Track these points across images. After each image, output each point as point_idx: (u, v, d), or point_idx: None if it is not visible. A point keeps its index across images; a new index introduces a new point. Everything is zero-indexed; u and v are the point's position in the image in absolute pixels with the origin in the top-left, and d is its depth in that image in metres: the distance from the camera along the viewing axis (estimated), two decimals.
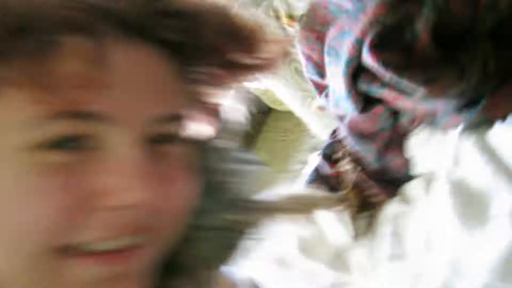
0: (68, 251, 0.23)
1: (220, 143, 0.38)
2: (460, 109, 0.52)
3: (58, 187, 0.22)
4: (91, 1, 0.22)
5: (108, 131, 0.23)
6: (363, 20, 0.52)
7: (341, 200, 0.59)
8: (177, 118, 0.27)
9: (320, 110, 0.86)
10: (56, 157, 0.22)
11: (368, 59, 0.52)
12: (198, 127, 0.32)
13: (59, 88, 0.20)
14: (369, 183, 0.66)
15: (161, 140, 0.26)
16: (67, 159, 0.23)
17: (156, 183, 0.24)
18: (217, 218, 0.40)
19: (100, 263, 0.23)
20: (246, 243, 0.46)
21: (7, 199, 0.22)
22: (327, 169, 0.71)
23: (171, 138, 0.27)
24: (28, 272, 0.23)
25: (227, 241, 0.43)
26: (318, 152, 0.75)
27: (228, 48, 0.28)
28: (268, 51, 0.30)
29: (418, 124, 0.59)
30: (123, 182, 0.23)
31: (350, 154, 0.67)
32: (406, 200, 0.62)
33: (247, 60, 0.29)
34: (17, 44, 0.20)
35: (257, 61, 0.30)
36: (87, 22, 0.22)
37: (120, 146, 0.24)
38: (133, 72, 0.24)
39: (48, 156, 0.22)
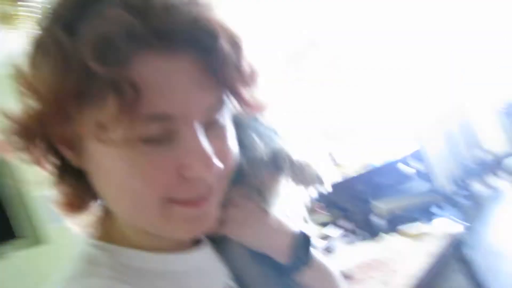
0: (173, 201, 0.38)
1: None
2: None
3: (157, 166, 0.36)
4: (157, 25, 0.33)
5: (178, 125, 0.36)
6: None
7: None
8: (220, 104, 0.39)
9: None
10: (149, 147, 0.35)
11: None
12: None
13: (145, 99, 0.33)
14: None
15: (214, 122, 0.39)
16: (156, 148, 0.35)
17: (216, 157, 0.37)
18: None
19: (191, 207, 0.39)
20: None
21: (129, 172, 0.36)
22: None
23: (219, 120, 0.39)
24: (150, 214, 0.38)
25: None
26: None
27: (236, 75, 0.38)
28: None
29: None
30: (196, 161, 0.36)
31: None
32: None
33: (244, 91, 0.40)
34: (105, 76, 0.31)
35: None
36: (152, 42, 0.33)
37: (189, 134, 0.36)
38: (186, 80, 0.35)
39: (144, 147, 0.35)
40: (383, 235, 1.84)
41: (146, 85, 0.33)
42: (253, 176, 0.49)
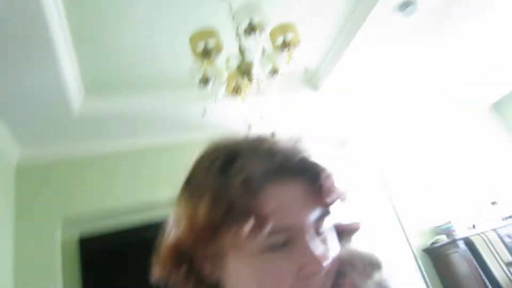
0: None
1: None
2: None
3: (284, 266, 0.46)
4: (277, 165, 0.49)
5: (296, 234, 0.47)
6: None
7: None
8: (326, 215, 0.50)
9: None
10: (276, 253, 0.46)
11: None
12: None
13: (271, 219, 0.45)
14: None
15: (321, 231, 0.50)
16: (281, 253, 0.46)
17: (325, 254, 0.47)
18: None
19: None
20: None
21: (261, 278, 0.46)
22: None
23: (325, 231, 0.50)
24: None
25: None
26: None
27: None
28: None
29: None
30: (313, 259, 0.46)
31: None
32: None
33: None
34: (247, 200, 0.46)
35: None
36: (276, 177, 0.48)
37: (304, 241, 0.47)
38: (299, 199, 0.49)
39: (272, 253, 0.46)
40: None
41: (276, 206, 0.46)
42: None
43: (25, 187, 3.22)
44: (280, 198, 0.47)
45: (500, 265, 3.33)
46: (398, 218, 4.08)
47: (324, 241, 0.50)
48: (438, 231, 4.26)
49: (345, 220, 0.56)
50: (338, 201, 0.51)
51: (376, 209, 4.38)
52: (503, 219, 4.43)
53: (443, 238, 4.10)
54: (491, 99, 5.29)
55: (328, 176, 0.51)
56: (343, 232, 0.57)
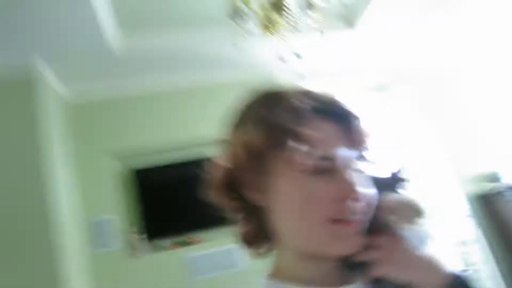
0: (335, 220, 0.52)
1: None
2: None
3: (324, 192, 0.52)
4: (318, 106, 0.56)
5: (337, 164, 0.53)
6: None
7: None
8: (360, 156, 0.57)
9: None
10: (319, 177, 0.52)
11: None
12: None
13: (321, 145, 0.53)
14: None
15: (358, 168, 0.56)
16: (323, 178, 0.52)
17: (359, 189, 0.53)
18: None
19: (344, 225, 0.53)
20: None
21: (306, 197, 0.52)
22: None
23: (361, 166, 0.56)
24: (318, 231, 0.52)
25: None
26: None
27: None
28: None
29: None
30: (350, 190, 0.53)
31: None
32: None
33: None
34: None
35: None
36: (318, 115, 0.55)
37: (344, 172, 0.53)
38: (337, 138, 0.55)
39: (316, 177, 0.52)
40: None
41: (320, 137, 0.53)
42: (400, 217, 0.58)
43: (79, 124, 3.37)
44: (325, 131, 0.54)
45: None
46: (452, 162, 3.94)
47: (361, 177, 0.55)
48: (493, 178, 4.09)
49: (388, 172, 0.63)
50: (368, 147, 0.58)
51: (429, 154, 4.24)
52: None
53: (491, 187, 3.94)
54: None
55: (359, 123, 0.57)
56: (386, 183, 0.63)
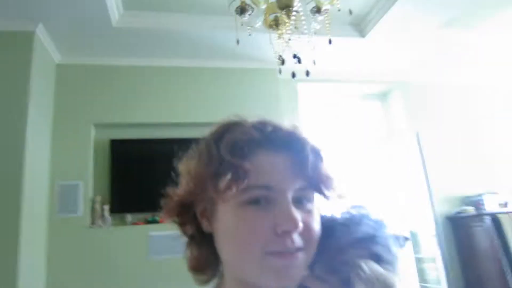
0: (272, 253, 0.50)
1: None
2: None
3: (259, 222, 0.51)
4: (266, 136, 0.55)
5: (275, 195, 0.52)
6: None
7: None
8: (306, 189, 0.55)
9: None
10: (254, 207, 0.52)
11: None
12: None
13: (255, 177, 0.52)
14: None
15: (303, 203, 0.54)
16: (258, 209, 0.51)
17: (300, 219, 0.51)
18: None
19: (281, 259, 0.51)
20: None
21: (240, 226, 0.51)
22: None
23: (305, 200, 0.55)
24: (252, 262, 0.51)
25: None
26: None
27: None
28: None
29: None
30: (286, 219, 0.50)
31: None
32: None
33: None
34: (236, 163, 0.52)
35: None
36: (263, 146, 0.54)
37: (283, 202, 0.52)
38: (281, 167, 0.54)
39: (250, 207, 0.52)
40: None
41: (256, 168, 0.52)
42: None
43: (65, 87, 3.37)
44: (262, 161, 0.54)
45: None
46: (428, 181, 3.96)
47: (305, 213, 0.54)
48: (467, 202, 4.13)
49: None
50: (323, 178, 0.56)
51: (408, 169, 4.27)
52: None
53: (470, 210, 3.98)
54: None
55: (314, 152, 0.56)
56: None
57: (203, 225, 0.57)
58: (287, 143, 0.55)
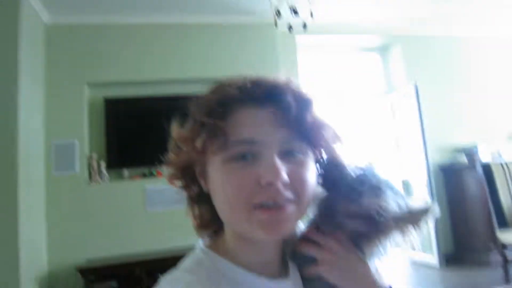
0: (255, 207, 0.51)
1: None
2: None
3: (243, 176, 0.51)
4: (248, 93, 0.55)
5: (259, 149, 0.51)
6: None
7: None
8: (291, 139, 0.54)
9: None
10: (240, 163, 0.52)
11: None
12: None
13: (235, 133, 0.52)
14: None
15: (291, 154, 0.53)
16: (244, 164, 0.51)
17: (287, 172, 0.51)
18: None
19: (268, 213, 0.51)
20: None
21: (225, 182, 0.52)
22: None
23: (295, 152, 0.54)
24: (240, 217, 0.52)
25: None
26: None
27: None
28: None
29: None
30: (268, 171, 0.50)
31: None
32: None
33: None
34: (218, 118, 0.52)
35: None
36: (244, 102, 0.54)
37: (267, 155, 0.51)
38: (264, 120, 0.53)
39: (236, 163, 0.52)
40: None
41: (239, 123, 0.53)
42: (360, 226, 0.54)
43: (56, 47, 3.36)
44: (243, 117, 0.53)
45: (510, 195, 3.28)
46: (423, 131, 3.96)
47: (294, 164, 0.54)
48: (461, 151, 4.14)
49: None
50: (311, 126, 0.55)
51: (406, 120, 4.25)
52: None
53: (463, 160, 4.01)
54: None
55: (299, 101, 0.55)
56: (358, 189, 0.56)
57: (202, 185, 0.58)
58: (269, 96, 0.54)
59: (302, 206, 0.54)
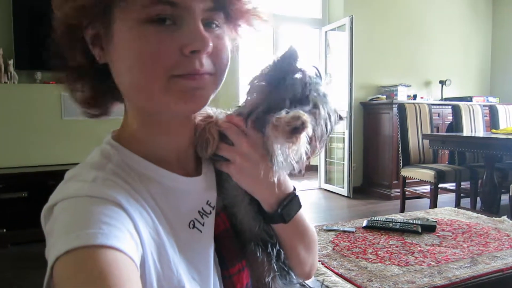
0: (178, 75, 0.46)
1: None
2: None
3: (163, 41, 0.44)
4: None
5: (181, 13, 0.45)
6: None
7: None
8: (215, 9, 0.48)
9: None
10: (158, 27, 0.44)
11: None
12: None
13: None
14: None
15: (213, 24, 0.49)
16: (164, 29, 0.45)
17: (210, 39, 0.46)
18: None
19: (189, 79, 0.46)
20: None
21: (142, 49, 0.44)
22: None
23: (215, 23, 0.49)
24: (155, 87, 0.46)
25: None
26: None
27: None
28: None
29: None
30: (195, 39, 0.45)
31: None
32: None
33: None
34: None
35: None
36: None
37: (190, 21, 0.46)
38: None
39: (153, 26, 0.44)
40: None
41: None
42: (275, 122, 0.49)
43: None
44: None
45: (418, 135, 3.62)
46: (351, 67, 4.10)
47: (215, 36, 0.49)
48: (382, 91, 4.42)
49: None
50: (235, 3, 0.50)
51: (339, 54, 4.34)
52: (442, 99, 4.63)
53: (383, 98, 4.29)
54: None
55: None
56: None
57: (95, 55, 0.49)
58: None
59: (219, 80, 0.51)
